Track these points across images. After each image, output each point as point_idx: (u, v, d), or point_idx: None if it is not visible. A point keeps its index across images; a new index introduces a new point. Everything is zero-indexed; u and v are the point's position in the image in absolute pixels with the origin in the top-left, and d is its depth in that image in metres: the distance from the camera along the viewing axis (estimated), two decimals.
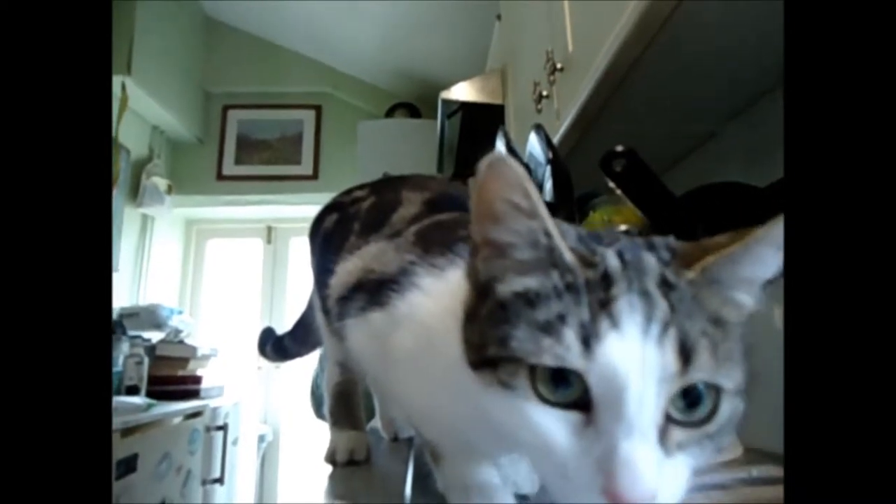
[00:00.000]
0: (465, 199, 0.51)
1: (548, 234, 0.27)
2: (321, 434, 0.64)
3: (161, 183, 2.65)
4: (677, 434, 0.25)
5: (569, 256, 0.27)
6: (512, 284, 0.28)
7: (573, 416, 0.25)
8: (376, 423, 0.75)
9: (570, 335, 0.25)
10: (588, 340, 0.25)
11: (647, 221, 0.69)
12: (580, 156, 1.03)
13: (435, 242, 0.40)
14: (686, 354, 0.24)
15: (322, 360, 1.04)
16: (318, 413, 1.17)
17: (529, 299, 0.27)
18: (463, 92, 1.80)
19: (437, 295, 0.37)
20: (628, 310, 0.25)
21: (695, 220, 0.67)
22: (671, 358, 0.24)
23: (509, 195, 0.27)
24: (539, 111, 1.18)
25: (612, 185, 0.65)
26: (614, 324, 0.25)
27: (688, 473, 0.26)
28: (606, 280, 0.26)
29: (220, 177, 3.00)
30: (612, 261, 0.27)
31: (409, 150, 2.45)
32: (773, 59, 0.75)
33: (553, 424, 0.26)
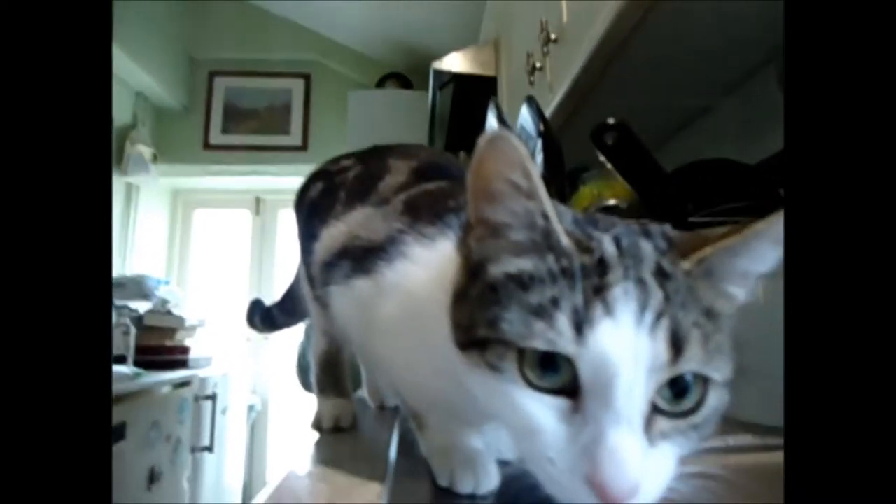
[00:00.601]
0: (454, 168, 0.50)
1: (545, 217, 0.26)
2: (310, 404, 0.65)
3: (146, 151, 2.59)
4: (662, 424, 0.25)
5: (565, 240, 0.26)
6: (505, 266, 0.27)
7: (560, 402, 0.25)
8: (363, 392, 0.76)
9: (563, 320, 0.24)
10: (581, 326, 0.24)
11: (636, 196, 0.69)
12: (572, 129, 1.02)
13: (424, 212, 0.40)
14: (678, 345, 0.24)
15: (308, 331, 1.04)
16: (305, 384, 1.18)
17: (523, 282, 0.26)
18: (455, 63, 1.77)
19: (427, 265, 0.36)
20: (623, 297, 0.25)
21: (685, 196, 0.67)
22: (663, 348, 0.24)
23: (509, 174, 0.26)
24: (532, 83, 1.16)
25: (602, 158, 0.65)
26: (608, 311, 0.24)
27: (672, 464, 0.26)
28: (602, 266, 0.26)
29: (207, 146, 2.94)
30: (609, 247, 0.26)
31: (400, 121, 2.42)
32: (768, 33, 0.74)
33: (539, 409, 0.25)
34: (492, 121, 0.84)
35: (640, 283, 0.25)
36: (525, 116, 0.84)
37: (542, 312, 0.25)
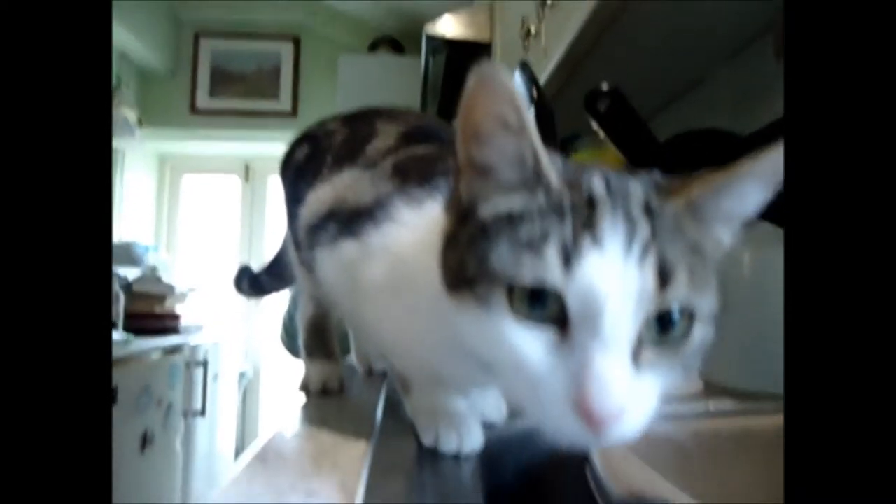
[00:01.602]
0: (442, 132, 0.49)
1: (535, 154, 0.27)
2: (301, 370, 0.65)
3: (130, 114, 2.53)
4: (649, 355, 0.26)
5: (555, 177, 0.27)
6: (495, 205, 0.28)
7: (549, 334, 0.26)
8: (352, 358, 0.76)
9: (552, 253, 0.25)
10: (569, 258, 0.25)
11: (628, 165, 0.69)
12: (567, 97, 1.01)
13: (413, 175, 0.39)
14: (664, 276, 0.25)
15: (295, 296, 1.04)
16: (292, 349, 1.19)
17: (512, 219, 0.27)
18: (449, 26, 1.72)
19: (415, 228, 0.36)
20: (611, 230, 0.25)
21: (676, 165, 0.67)
22: (650, 279, 0.25)
23: (498, 110, 0.26)
24: (526, 49, 1.14)
25: (595, 126, 0.64)
26: (596, 242, 0.25)
27: (657, 395, 0.26)
28: (591, 202, 0.26)
29: (194, 110, 2.87)
30: (598, 184, 0.27)
31: (392, 87, 2.37)
32: (765, 4, 0.72)
33: (528, 341, 0.26)
34: None
35: (628, 217, 0.26)
36: (518, 82, 0.82)
37: (531, 246, 0.25)
